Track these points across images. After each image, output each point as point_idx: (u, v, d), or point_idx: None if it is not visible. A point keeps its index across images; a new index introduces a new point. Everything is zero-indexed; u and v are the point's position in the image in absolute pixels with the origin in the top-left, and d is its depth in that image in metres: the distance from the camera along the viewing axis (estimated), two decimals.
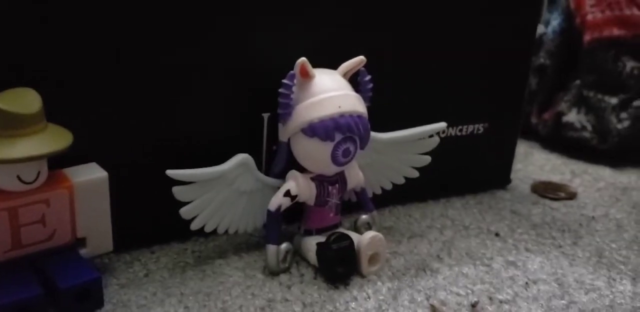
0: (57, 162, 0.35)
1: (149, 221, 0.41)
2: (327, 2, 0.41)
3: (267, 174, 0.41)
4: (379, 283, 0.39)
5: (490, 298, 0.38)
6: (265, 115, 0.42)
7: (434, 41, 0.46)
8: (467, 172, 0.51)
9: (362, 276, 0.39)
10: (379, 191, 0.45)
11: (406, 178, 0.45)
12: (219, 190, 0.39)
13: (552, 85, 0.64)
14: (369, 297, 0.37)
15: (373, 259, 0.40)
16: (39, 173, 0.33)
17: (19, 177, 0.32)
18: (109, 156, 0.37)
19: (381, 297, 0.37)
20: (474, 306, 0.37)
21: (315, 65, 0.39)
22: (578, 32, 0.61)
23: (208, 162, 0.39)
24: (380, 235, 0.39)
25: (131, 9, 0.36)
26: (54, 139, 0.33)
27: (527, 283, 0.40)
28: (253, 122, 0.42)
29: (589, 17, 0.60)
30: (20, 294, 0.32)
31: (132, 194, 0.39)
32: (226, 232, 0.40)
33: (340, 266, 0.38)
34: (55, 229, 0.35)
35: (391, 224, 0.47)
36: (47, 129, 0.33)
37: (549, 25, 0.63)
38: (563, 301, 0.38)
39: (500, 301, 0.38)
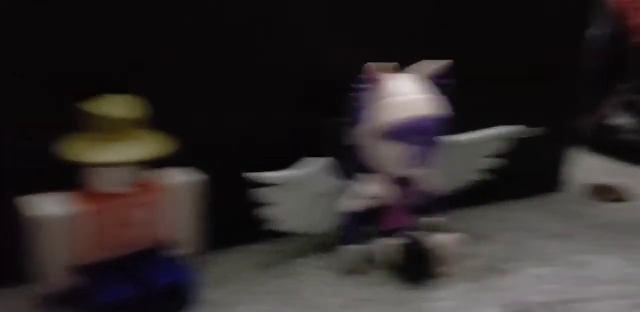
0: (151, 165, 0.36)
1: (233, 223, 0.42)
2: (396, 9, 0.42)
3: (340, 176, 0.42)
4: (454, 284, 0.40)
5: (560, 298, 0.39)
6: (334, 120, 0.43)
7: (490, 47, 0.47)
8: (521, 176, 0.52)
9: (439, 277, 0.40)
10: (447, 193, 0.46)
11: (470, 181, 0.46)
12: (297, 192, 0.40)
13: (600, 88, 0.65)
14: (446, 298, 0.38)
15: (449, 259, 0.41)
16: (136, 176, 0.35)
17: (117, 180, 0.34)
18: (197, 160, 0.39)
19: (460, 297, 0.38)
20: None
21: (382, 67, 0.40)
22: (626, 35, 0.62)
23: (282, 165, 0.40)
24: (456, 236, 0.40)
25: (215, 15, 0.38)
26: (149, 144, 0.34)
27: (594, 283, 0.41)
28: (321, 127, 0.43)
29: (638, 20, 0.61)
30: (119, 294, 0.34)
31: (217, 196, 0.40)
32: (304, 233, 0.41)
33: (418, 267, 0.39)
34: (146, 230, 0.36)
35: (457, 226, 0.47)
36: (145, 135, 0.35)
37: (596, 29, 0.64)
38: (631, 301, 0.39)
39: (570, 301, 0.38)
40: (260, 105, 0.41)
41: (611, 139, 0.63)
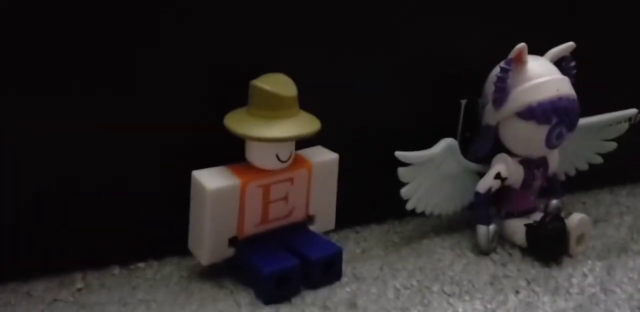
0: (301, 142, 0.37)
1: (358, 202, 0.42)
2: None
3: (473, 158, 0.43)
4: (590, 262, 0.40)
5: None
6: (463, 102, 0.44)
7: (608, 30, 0.47)
8: (623, 161, 0.52)
9: (570, 256, 0.41)
10: (563, 177, 0.47)
11: (589, 164, 0.47)
12: (428, 173, 0.41)
13: None
14: (586, 275, 0.39)
15: (579, 239, 0.41)
16: (291, 153, 0.36)
17: (277, 156, 0.35)
18: (338, 140, 0.39)
19: (597, 275, 0.39)
20: None
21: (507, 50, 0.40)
22: None
23: (405, 147, 0.41)
24: (587, 217, 0.41)
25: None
26: (308, 122, 0.35)
27: None
28: (450, 108, 0.44)
29: None
30: (282, 264, 0.35)
31: (355, 175, 0.41)
32: (436, 213, 0.42)
33: (554, 245, 0.40)
34: (294, 206, 0.37)
35: (569, 210, 0.48)
36: (300, 113, 0.36)
37: None
38: None
39: None
40: (398, 87, 0.41)
41: None
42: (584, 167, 0.47)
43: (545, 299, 0.36)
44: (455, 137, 0.44)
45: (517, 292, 0.37)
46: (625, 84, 0.48)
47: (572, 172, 0.47)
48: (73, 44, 0.33)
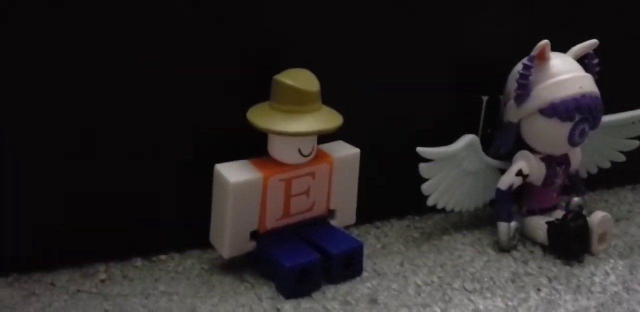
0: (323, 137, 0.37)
1: (379, 197, 0.42)
2: None
3: (493, 155, 0.42)
4: (612, 260, 0.40)
5: None
6: (484, 98, 0.44)
7: (634, 28, 0.46)
8: None
9: (592, 254, 0.40)
10: (585, 175, 0.46)
11: (611, 162, 0.46)
12: (449, 169, 0.41)
13: None
14: (608, 273, 0.38)
15: (601, 238, 0.41)
16: (313, 147, 0.36)
17: (299, 151, 0.35)
18: (352, 135, 0.39)
19: (619, 273, 0.38)
20: None
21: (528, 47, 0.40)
22: None
23: (426, 143, 0.40)
24: (609, 215, 0.41)
25: None
26: (330, 117, 0.35)
27: None
28: (471, 105, 0.44)
29: None
30: (303, 258, 0.35)
31: (376, 171, 0.41)
32: (457, 209, 0.42)
33: (575, 243, 0.39)
34: (315, 200, 0.37)
35: (591, 208, 0.47)
36: (322, 108, 0.36)
37: None
38: None
39: None
40: (420, 83, 0.41)
41: None
42: (606, 165, 0.46)
43: (567, 297, 0.36)
44: (476, 134, 0.44)
45: (539, 290, 0.36)
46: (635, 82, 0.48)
47: (594, 170, 0.46)
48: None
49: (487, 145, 0.43)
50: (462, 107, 0.43)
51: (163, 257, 0.38)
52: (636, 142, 0.45)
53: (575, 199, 0.45)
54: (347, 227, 0.41)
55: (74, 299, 0.34)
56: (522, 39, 0.40)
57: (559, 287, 0.37)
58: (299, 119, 0.34)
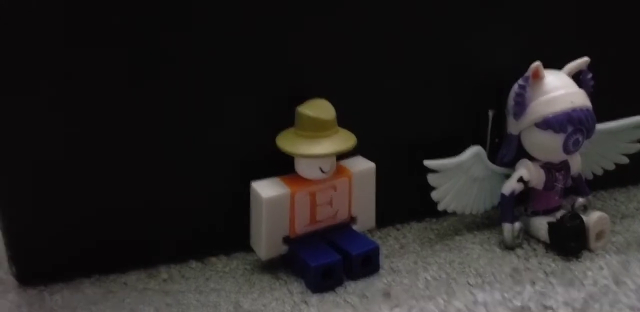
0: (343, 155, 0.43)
1: (397, 203, 0.48)
2: (542, 11, 0.47)
3: (494, 163, 0.47)
4: (607, 256, 0.44)
5: None
6: (491, 112, 0.48)
7: (634, 35, 0.50)
8: None
9: (590, 251, 0.45)
10: (591, 177, 0.50)
11: (615, 164, 0.50)
12: (457, 177, 0.46)
13: None
14: (602, 268, 0.43)
15: (599, 235, 0.45)
16: (332, 165, 0.42)
17: (320, 169, 0.42)
18: (369, 151, 0.46)
19: (613, 268, 0.43)
20: None
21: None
22: None
23: (440, 154, 0.46)
24: (605, 214, 0.45)
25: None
26: (345, 139, 0.42)
27: None
28: (479, 118, 0.49)
29: None
30: (327, 259, 0.41)
31: (392, 181, 0.46)
32: (461, 212, 0.47)
33: (573, 241, 0.44)
34: (338, 209, 0.44)
35: (600, 206, 0.51)
36: (339, 131, 0.42)
37: None
38: None
39: None
40: (433, 100, 0.47)
41: None
42: (610, 167, 0.50)
43: (559, 289, 0.41)
44: (484, 144, 0.49)
45: (534, 283, 0.41)
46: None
47: (600, 172, 0.50)
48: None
49: (495, 154, 0.48)
50: (472, 120, 0.48)
51: (213, 259, 0.45)
52: (638, 145, 0.49)
53: (580, 200, 0.49)
54: (370, 230, 0.47)
55: (141, 295, 0.42)
56: (526, 57, 0.45)
57: (554, 280, 0.42)
58: (318, 143, 0.41)
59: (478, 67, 0.47)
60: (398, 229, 0.49)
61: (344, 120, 0.43)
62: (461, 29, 0.46)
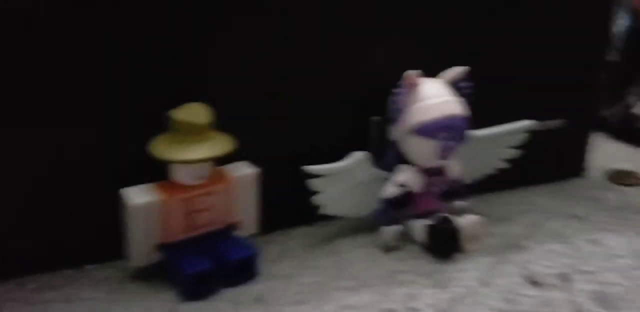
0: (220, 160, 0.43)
1: (282, 208, 0.49)
2: (428, 23, 0.49)
3: (378, 167, 0.48)
4: (479, 258, 0.46)
5: (577, 269, 0.44)
6: (374, 119, 0.49)
7: (514, 46, 0.52)
8: (545, 163, 0.57)
9: (463, 253, 0.46)
10: (471, 181, 0.52)
11: (495, 169, 0.52)
12: (340, 182, 0.47)
13: (621, 80, 0.69)
14: (472, 269, 0.44)
15: (472, 238, 0.47)
16: (209, 169, 0.42)
17: (194, 174, 0.41)
18: (253, 155, 0.46)
19: (482, 269, 0.44)
20: None
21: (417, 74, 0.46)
22: None
23: (327, 159, 0.47)
24: (478, 217, 0.47)
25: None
26: (220, 144, 0.41)
27: (607, 257, 0.46)
28: (363, 125, 0.50)
29: None
30: (200, 267, 0.41)
31: (274, 185, 0.47)
32: (345, 216, 0.48)
33: (446, 244, 0.46)
34: (217, 214, 0.44)
35: (482, 209, 0.53)
36: (215, 135, 0.42)
37: (617, 24, 0.68)
38: None
39: (586, 272, 0.44)
40: (315, 108, 0.47)
41: (632, 127, 0.67)
42: (490, 171, 0.52)
43: (427, 291, 0.42)
44: (372, 149, 0.50)
45: (405, 285, 0.42)
46: (535, 93, 0.54)
47: (480, 176, 0.52)
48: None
49: (381, 159, 0.49)
50: (356, 127, 0.49)
51: (88, 267, 0.44)
52: (515, 151, 0.52)
53: (459, 203, 0.51)
54: (255, 235, 0.47)
55: (7, 306, 0.40)
56: (412, 65, 0.46)
57: (424, 282, 0.43)
58: (192, 148, 0.40)
59: (363, 75, 0.48)
60: (286, 234, 0.49)
61: (228, 127, 0.43)
62: (348, 38, 0.47)
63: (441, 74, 0.47)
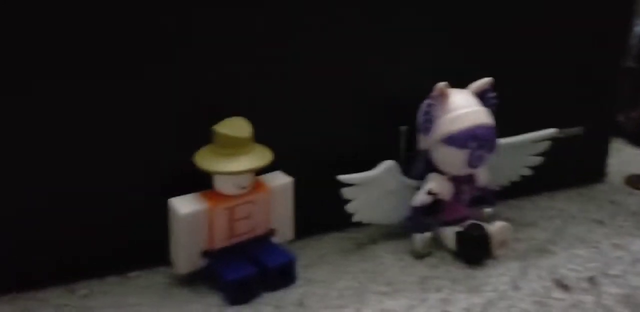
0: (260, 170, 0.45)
1: (316, 215, 0.50)
2: (450, 36, 0.50)
3: (407, 176, 0.50)
4: (508, 263, 0.47)
5: (604, 273, 0.46)
6: (403, 129, 0.51)
7: (534, 56, 0.54)
8: (566, 169, 0.59)
9: (493, 258, 0.48)
10: (497, 188, 0.54)
11: (519, 175, 0.54)
12: (372, 190, 0.48)
13: (637, 85, 0.71)
14: (502, 274, 0.46)
15: (501, 244, 0.48)
16: (250, 180, 0.44)
17: (237, 185, 0.43)
18: (289, 166, 0.47)
19: (512, 274, 0.46)
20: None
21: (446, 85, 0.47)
22: None
23: (357, 168, 0.48)
24: (507, 224, 0.48)
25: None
26: (261, 156, 0.43)
27: (632, 262, 0.48)
28: (393, 134, 0.51)
29: None
30: (242, 273, 0.43)
31: (309, 194, 0.48)
32: (377, 223, 0.50)
33: (477, 250, 0.47)
34: (256, 222, 0.45)
35: (508, 215, 0.55)
36: (255, 147, 0.44)
37: (634, 30, 0.70)
38: None
39: (612, 276, 0.46)
40: (345, 119, 0.49)
41: None
42: (516, 178, 0.54)
43: (461, 296, 0.44)
44: (402, 158, 0.52)
45: (439, 290, 0.44)
46: (555, 100, 0.56)
47: (507, 183, 0.54)
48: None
49: (411, 168, 0.51)
50: (385, 136, 0.51)
51: (134, 274, 0.46)
52: (539, 158, 0.53)
53: (487, 210, 0.52)
54: (290, 242, 0.49)
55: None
56: (439, 77, 0.47)
57: (458, 287, 0.45)
58: (235, 160, 0.42)
59: (392, 87, 0.50)
60: (320, 240, 0.51)
61: (264, 138, 0.45)
62: (376, 52, 0.49)
63: (468, 85, 0.49)
